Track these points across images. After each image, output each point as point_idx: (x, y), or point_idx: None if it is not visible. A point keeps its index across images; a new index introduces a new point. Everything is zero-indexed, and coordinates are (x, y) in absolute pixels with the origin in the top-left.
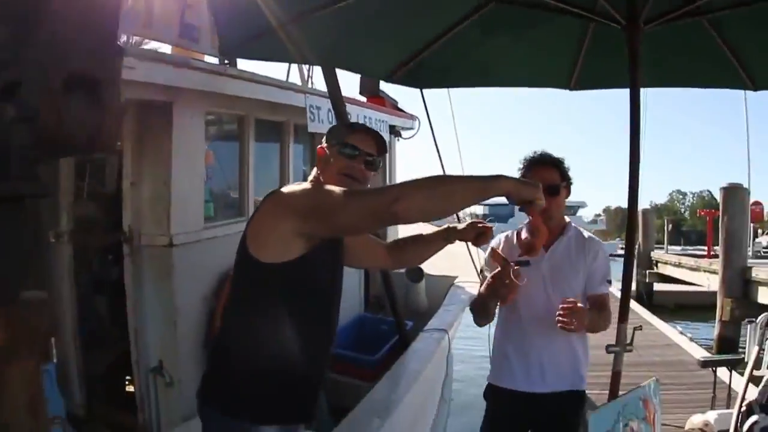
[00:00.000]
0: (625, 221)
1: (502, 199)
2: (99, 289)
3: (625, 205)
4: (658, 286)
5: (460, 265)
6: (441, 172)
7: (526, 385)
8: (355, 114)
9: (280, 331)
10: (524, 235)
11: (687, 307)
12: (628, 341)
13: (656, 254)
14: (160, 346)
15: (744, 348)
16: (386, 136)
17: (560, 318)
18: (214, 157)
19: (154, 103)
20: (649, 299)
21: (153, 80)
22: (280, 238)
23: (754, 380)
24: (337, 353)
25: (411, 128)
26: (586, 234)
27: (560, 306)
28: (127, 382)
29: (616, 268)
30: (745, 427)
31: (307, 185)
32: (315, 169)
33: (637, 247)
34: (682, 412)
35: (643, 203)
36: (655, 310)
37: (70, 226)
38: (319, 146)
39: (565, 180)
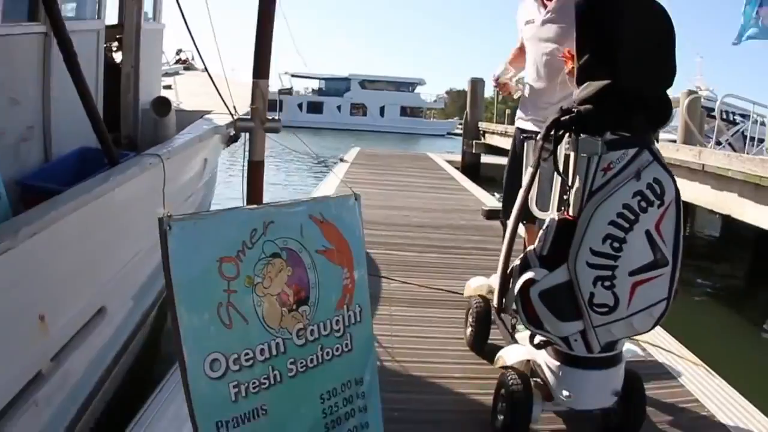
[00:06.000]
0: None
1: (339, 72)
2: None
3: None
4: (485, 158)
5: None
6: None
7: None
8: None
9: None
10: None
11: None
12: None
13: (483, 124)
14: None
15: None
16: None
17: None
18: None
19: None
20: (475, 171)
21: None
22: None
23: (531, 221)
24: (28, 184)
25: None
26: None
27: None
28: None
29: (453, 145)
30: (517, 286)
31: None
32: None
33: (464, 116)
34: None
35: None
36: (482, 183)
37: None
38: None
39: None
